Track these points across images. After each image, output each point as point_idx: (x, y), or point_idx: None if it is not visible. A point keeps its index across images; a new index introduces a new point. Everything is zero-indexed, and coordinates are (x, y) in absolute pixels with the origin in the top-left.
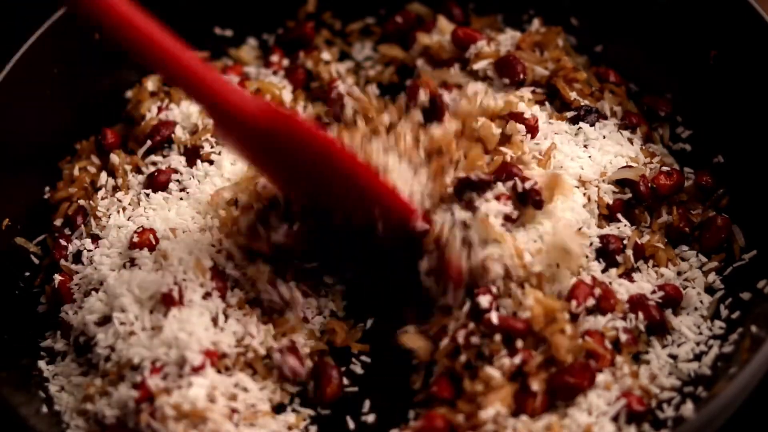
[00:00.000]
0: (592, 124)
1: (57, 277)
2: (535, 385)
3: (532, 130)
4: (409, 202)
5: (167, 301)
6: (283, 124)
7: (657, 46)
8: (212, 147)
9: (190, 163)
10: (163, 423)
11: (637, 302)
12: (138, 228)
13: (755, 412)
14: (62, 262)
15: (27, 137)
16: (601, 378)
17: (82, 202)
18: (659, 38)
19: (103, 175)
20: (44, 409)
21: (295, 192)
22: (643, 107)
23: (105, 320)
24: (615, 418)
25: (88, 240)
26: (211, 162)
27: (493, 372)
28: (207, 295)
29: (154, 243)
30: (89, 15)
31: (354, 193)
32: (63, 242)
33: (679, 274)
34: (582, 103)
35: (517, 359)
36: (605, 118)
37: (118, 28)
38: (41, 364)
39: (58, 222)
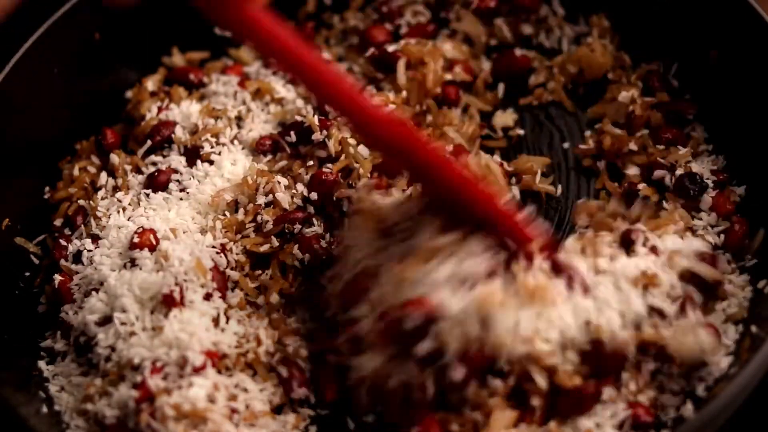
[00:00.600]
0: None
1: (57, 277)
2: (536, 401)
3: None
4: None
5: (168, 302)
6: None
7: (657, 46)
8: (212, 147)
9: (190, 163)
10: (163, 423)
11: None
12: (138, 228)
13: (755, 412)
14: (62, 262)
15: (27, 137)
16: (607, 392)
17: (82, 202)
18: (659, 38)
19: (103, 175)
20: (44, 409)
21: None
22: (669, 115)
23: (105, 320)
24: (620, 426)
25: (88, 240)
26: (211, 162)
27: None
28: (208, 296)
29: (154, 243)
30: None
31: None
32: (63, 242)
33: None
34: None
35: (512, 380)
36: None
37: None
38: (41, 364)
39: (58, 222)
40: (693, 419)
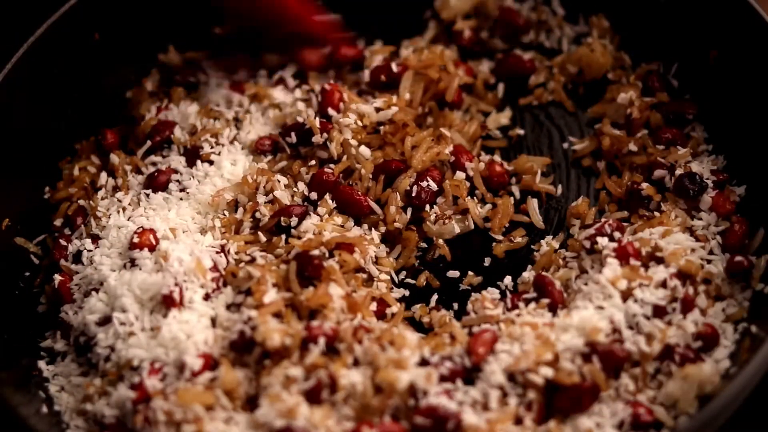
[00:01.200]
0: None
1: (57, 277)
2: (532, 394)
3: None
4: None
5: (168, 303)
6: None
7: (657, 46)
8: (212, 147)
9: (190, 163)
10: (156, 427)
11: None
12: (138, 228)
13: (755, 412)
14: (62, 262)
15: (27, 137)
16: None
17: (82, 202)
18: (659, 38)
19: (103, 175)
20: (44, 409)
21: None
22: (669, 116)
23: (105, 320)
24: (619, 426)
25: (88, 240)
26: (210, 162)
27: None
28: (207, 297)
29: (154, 243)
30: None
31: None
32: (63, 242)
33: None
34: None
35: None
36: None
37: None
38: (41, 364)
39: (58, 222)
40: (693, 419)
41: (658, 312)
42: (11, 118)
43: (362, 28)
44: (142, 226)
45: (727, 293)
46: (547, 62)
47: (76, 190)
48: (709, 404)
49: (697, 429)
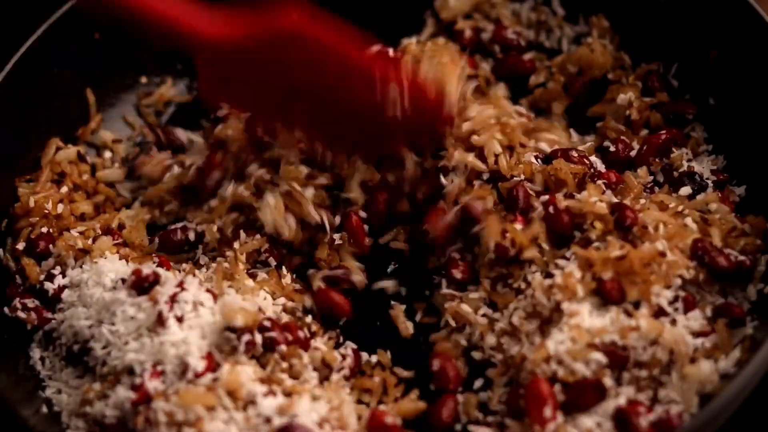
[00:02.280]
0: None
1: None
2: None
3: None
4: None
5: (162, 321)
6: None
7: (657, 46)
8: None
9: None
10: (157, 428)
11: None
12: None
13: (755, 412)
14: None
15: (27, 137)
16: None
17: (44, 229)
18: (659, 38)
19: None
20: (44, 409)
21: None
22: (669, 116)
23: (98, 324)
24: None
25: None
26: None
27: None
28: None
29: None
30: None
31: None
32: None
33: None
34: None
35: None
36: None
37: None
38: (39, 365)
39: (20, 246)
40: (693, 419)
41: (659, 311)
42: (11, 119)
43: (362, 28)
44: None
45: (727, 293)
46: (547, 62)
47: (37, 219)
48: (709, 404)
49: (697, 429)
